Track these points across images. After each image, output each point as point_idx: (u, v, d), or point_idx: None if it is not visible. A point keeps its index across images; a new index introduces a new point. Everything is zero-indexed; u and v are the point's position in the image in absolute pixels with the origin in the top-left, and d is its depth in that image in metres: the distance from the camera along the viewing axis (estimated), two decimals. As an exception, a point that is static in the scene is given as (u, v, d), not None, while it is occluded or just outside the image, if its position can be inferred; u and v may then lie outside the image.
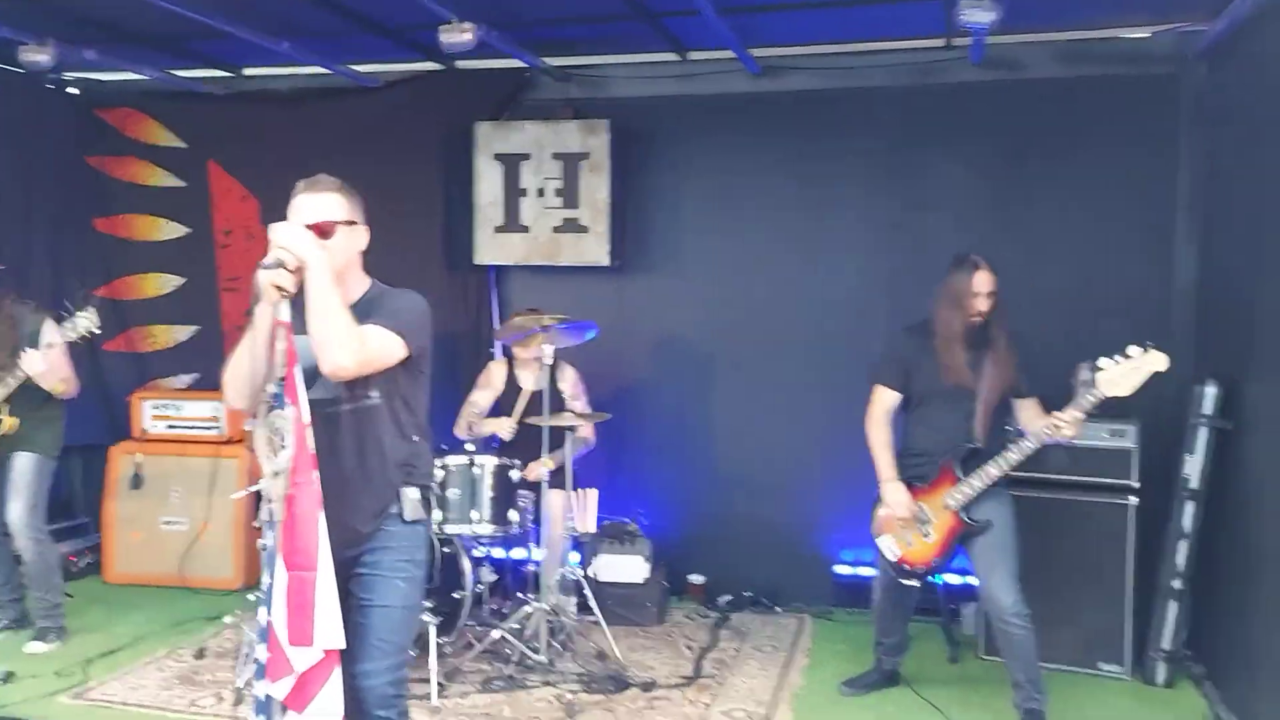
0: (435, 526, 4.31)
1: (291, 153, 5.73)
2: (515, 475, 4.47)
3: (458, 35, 4.46)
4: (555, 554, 4.60)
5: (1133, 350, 3.58)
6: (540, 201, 5.45)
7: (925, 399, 4.01)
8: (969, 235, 4.85)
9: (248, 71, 5.93)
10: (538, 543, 4.76)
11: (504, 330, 4.58)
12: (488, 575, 4.69)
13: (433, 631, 4.18)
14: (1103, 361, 3.62)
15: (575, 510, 4.74)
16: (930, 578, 4.12)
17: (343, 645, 2.55)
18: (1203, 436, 4.32)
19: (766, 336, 5.45)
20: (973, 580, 4.85)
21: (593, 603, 4.58)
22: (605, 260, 5.41)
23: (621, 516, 5.34)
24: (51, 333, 4.41)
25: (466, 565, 4.49)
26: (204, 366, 6.02)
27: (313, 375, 2.68)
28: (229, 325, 6.03)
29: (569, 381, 5.02)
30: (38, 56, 4.88)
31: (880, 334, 5.00)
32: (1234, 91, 4.45)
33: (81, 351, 4.84)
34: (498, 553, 4.97)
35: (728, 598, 5.40)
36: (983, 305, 3.90)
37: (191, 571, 5.47)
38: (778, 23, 4.88)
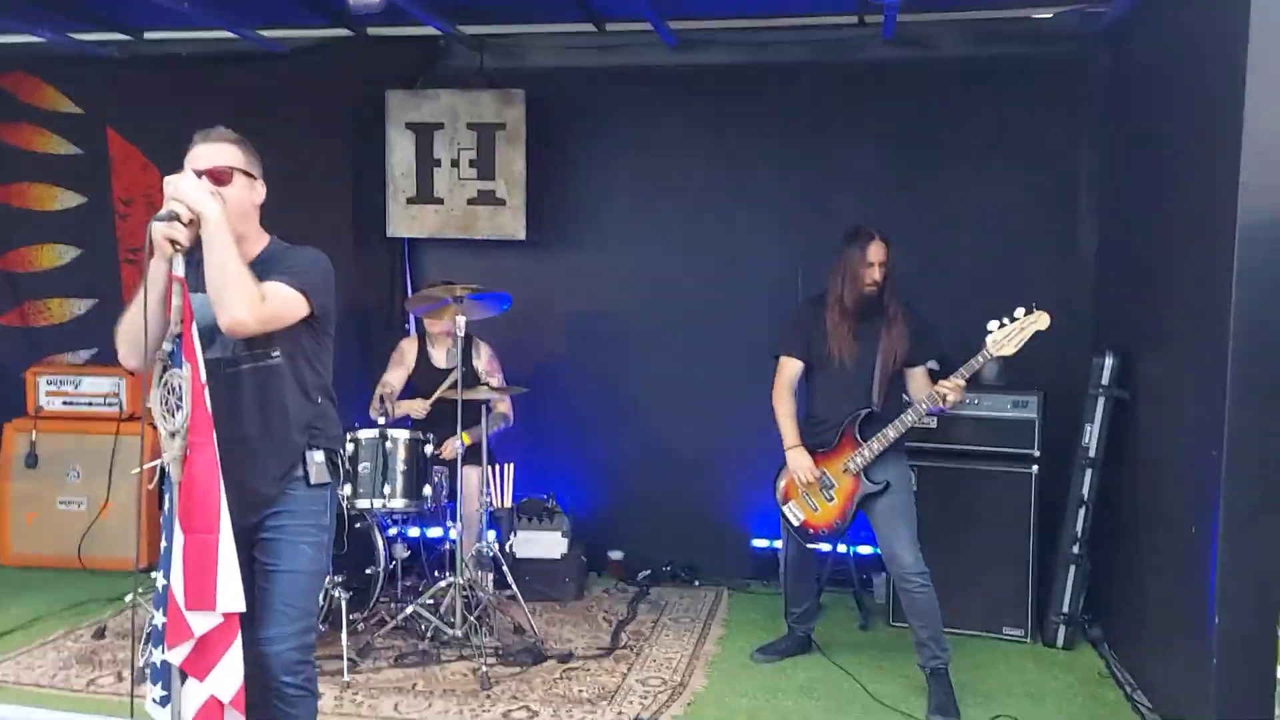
0: (346, 501, 4.23)
1: (195, 120, 5.52)
2: (429, 450, 4.41)
3: (368, -1, 4.36)
4: (471, 529, 4.55)
5: (1019, 312, 3.76)
6: (454, 173, 5.37)
7: (825, 367, 4.08)
8: (881, 209, 4.91)
9: (149, 35, 5.70)
10: (453, 520, 4.71)
11: (415, 301, 4.50)
12: (401, 551, 4.63)
13: (344, 607, 4.11)
14: (991, 325, 3.76)
15: (492, 485, 4.70)
16: (832, 541, 4.19)
17: (244, 609, 2.49)
18: (1101, 406, 4.45)
19: (684, 311, 5.45)
20: (883, 549, 4.97)
21: (510, 578, 4.54)
22: (521, 234, 5.36)
23: (539, 493, 5.31)
24: None
25: (379, 540, 4.42)
26: (103, 341, 5.75)
27: (211, 333, 2.61)
28: (129, 298, 5.79)
29: (483, 359, 4.96)
30: (-77, 17, 4.66)
31: (795, 306, 5.06)
32: (1132, 71, 4.59)
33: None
34: (413, 532, 4.89)
35: (646, 572, 5.41)
36: (876, 275, 3.98)
37: (91, 553, 5.28)
38: (696, -4, 4.89)
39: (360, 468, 4.30)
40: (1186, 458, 3.51)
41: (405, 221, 5.42)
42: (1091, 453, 4.46)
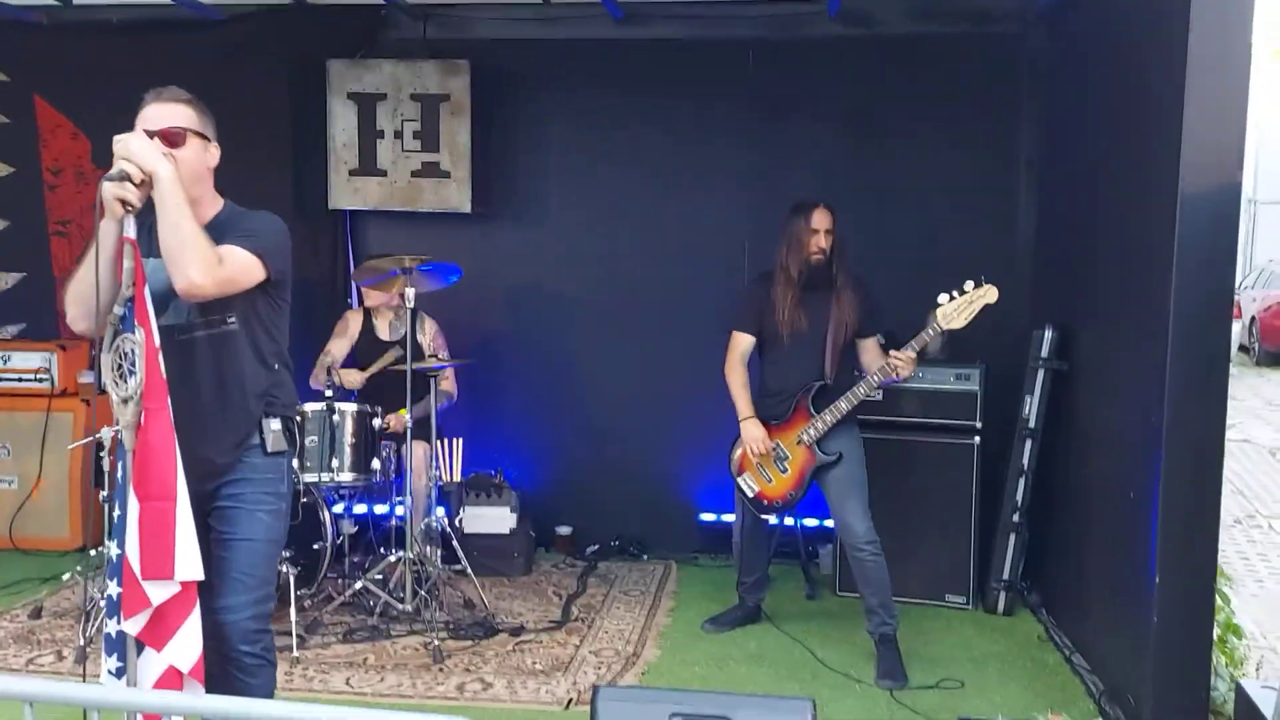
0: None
1: (127, 88, 5.37)
2: (377, 423, 4.36)
3: (310, -36, 4.27)
4: (419, 504, 4.52)
5: (968, 285, 3.81)
6: (398, 144, 5.28)
7: (777, 341, 4.11)
8: (826, 185, 4.94)
9: (77, 0, 5.53)
10: (400, 495, 4.67)
11: (363, 272, 4.43)
12: (348, 527, 4.58)
13: (292, 582, 4.06)
14: (941, 298, 3.82)
15: (440, 460, 4.66)
16: (786, 511, 4.24)
17: (202, 577, 2.45)
18: (1041, 378, 4.56)
19: (631, 285, 5.45)
20: (829, 523, 5.04)
21: (460, 552, 4.52)
22: (467, 207, 5.30)
23: (487, 468, 5.28)
24: None
25: (326, 516, 4.37)
26: (31, 316, 5.62)
27: (166, 299, 2.56)
28: (59, 271, 5.64)
29: (429, 334, 4.92)
30: None
31: (742, 281, 5.09)
32: (1070, 52, 4.69)
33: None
34: (359, 508, 4.84)
35: (594, 547, 5.42)
36: (822, 242, 4.01)
37: (23, 532, 5.14)
38: (641, -32, 4.87)
39: (307, 441, 4.24)
40: (1125, 426, 3.62)
41: (348, 194, 5.33)
42: (1031, 424, 4.57)
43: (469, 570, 4.49)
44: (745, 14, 5.28)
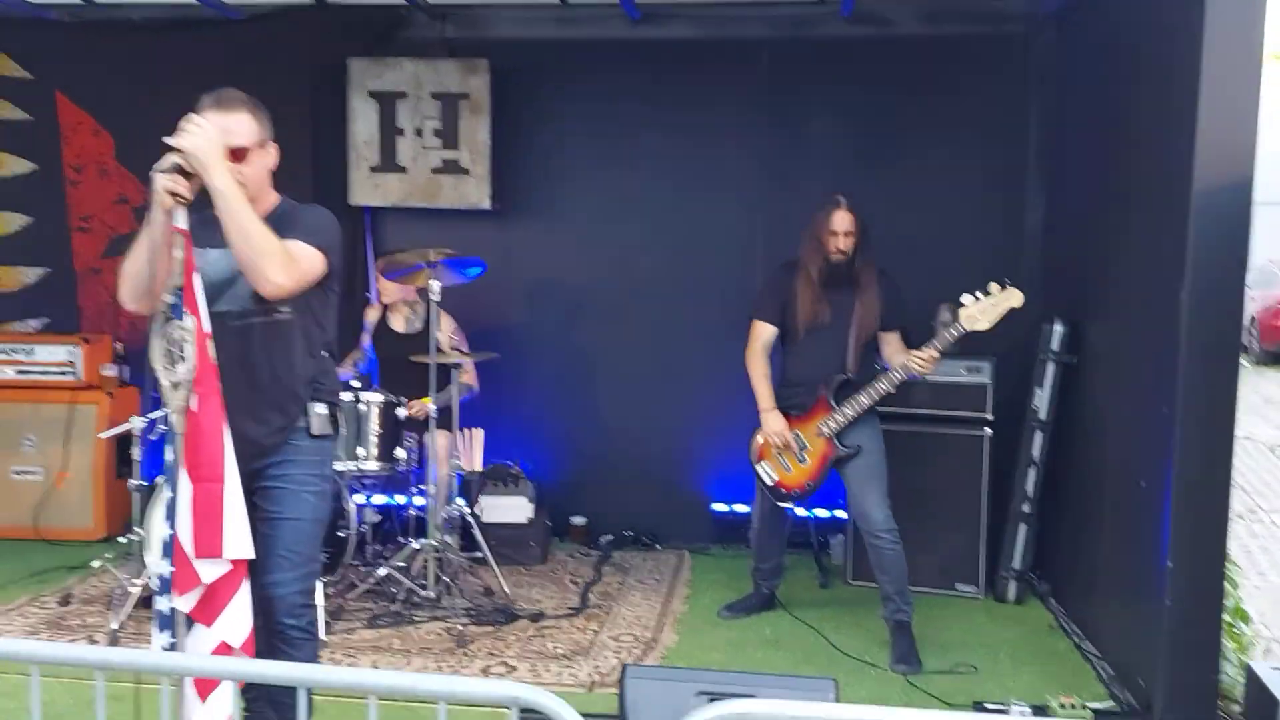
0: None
1: (148, 86, 5.50)
2: (402, 413, 4.45)
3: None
4: (442, 493, 4.60)
5: (993, 287, 3.85)
6: (418, 142, 5.37)
7: (800, 333, 4.19)
8: (837, 182, 5.01)
9: (99, -1, 5.62)
10: (421, 485, 4.75)
11: (388, 265, 4.51)
12: (371, 516, 4.66)
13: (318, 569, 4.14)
14: (965, 299, 3.87)
15: (461, 449, 4.75)
16: (803, 500, 4.32)
17: (251, 555, 2.54)
18: (1050, 371, 4.65)
19: (645, 280, 5.53)
20: (840, 514, 5.15)
21: (480, 540, 4.60)
22: (486, 203, 5.39)
23: (504, 460, 5.37)
24: None
25: (350, 504, 4.45)
26: (54, 310, 5.71)
27: (222, 287, 2.68)
28: (81, 266, 5.73)
29: (446, 331, 5.00)
30: None
31: (755, 277, 5.19)
32: (1077, 51, 4.79)
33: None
34: (378, 499, 4.92)
35: (609, 537, 5.51)
36: (842, 244, 4.08)
37: (48, 523, 5.21)
38: (658, -31, 4.96)
39: (337, 430, 4.31)
40: (1135, 417, 3.70)
41: (368, 190, 5.42)
42: (1042, 415, 4.66)
43: (490, 557, 4.57)
44: (759, 14, 5.38)
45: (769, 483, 4.24)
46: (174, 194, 2.47)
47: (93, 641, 3.96)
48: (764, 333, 4.25)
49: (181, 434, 2.48)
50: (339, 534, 4.40)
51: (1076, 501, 4.48)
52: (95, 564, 4.43)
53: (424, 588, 4.34)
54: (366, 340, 4.98)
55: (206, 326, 2.50)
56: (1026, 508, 4.72)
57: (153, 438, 4.15)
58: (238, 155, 2.64)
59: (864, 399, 4.04)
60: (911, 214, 5.29)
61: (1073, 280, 4.70)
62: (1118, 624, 3.89)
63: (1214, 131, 3.06)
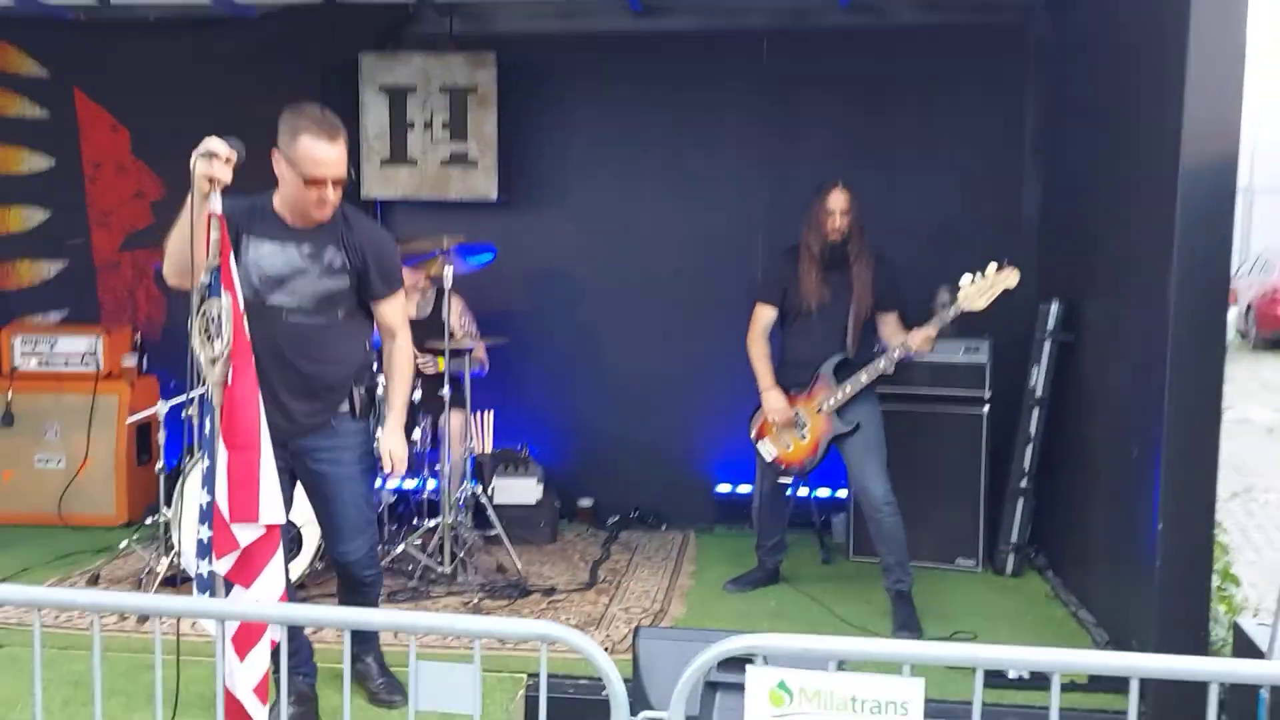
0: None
1: (164, 83, 5.65)
2: (416, 396, 4.58)
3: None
4: (456, 472, 4.74)
5: (990, 268, 3.99)
6: (427, 135, 5.50)
7: (800, 314, 4.33)
8: (836, 170, 5.12)
9: (115, -1, 5.75)
10: (433, 467, 4.89)
11: (404, 251, 4.64)
12: (387, 497, 4.80)
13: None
14: (964, 279, 4.01)
15: (473, 431, 4.89)
16: (803, 476, 4.46)
17: (284, 520, 2.69)
18: (1047, 350, 4.79)
19: (648, 268, 5.67)
20: (842, 493, 5.29)
21: (494, 518, 4.74)
22: (493, 194, 5.52)
23: (512, 444, 5.52)
24: None
25: (367, 484, 4.59)
26: (74, 302, 5.86)
27: (281, 281, 2.95)
28: (100, 260, 5.87)
29: (455, 313, 5.12)
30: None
31: (756, 264, 5.34)
32: (1072, 38, 4.92)
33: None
34: (392, 482, 5.05)
35: (615, 518, 5.65)
36: (838, 223, 4.20)
37: (71, 509, 5.35)
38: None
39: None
40: (1128, 390, 3.84)
41: (380, 183, 5.55)
42: (1038, 393, 4.80)
43: (503, 534, 4.71)
44: (759, 5, 5.51)
45: (769, 459, 4.38)
46: (210, 178, 2.61)
47: (122, 618, 4.09)
48: (765, 315, 4.39)
49: (219, 406, 2.63)
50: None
51: (1073, 476, 4.61)
52: (122, 545, 4.57)
53: (440, 565, 4.48)
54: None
55: (242, 304, 2.65)
56: (1024, 483, 4.85)
57: (186, 416, 4.29)
58: (341, 184, 2.95)
59: (863, 377, 4.17)
60: (911, 200, 5.43)
61: (1069, 261, 4.83)
62: (1112, 591, 4.03)
63: (1199, 114, 3.18)
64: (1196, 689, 3.20)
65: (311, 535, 4.14)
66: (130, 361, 5.52)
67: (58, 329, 5.64)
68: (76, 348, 5.47)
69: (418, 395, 4.59)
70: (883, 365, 4.16)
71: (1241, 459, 8.38)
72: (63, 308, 5.88)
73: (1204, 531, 3.30)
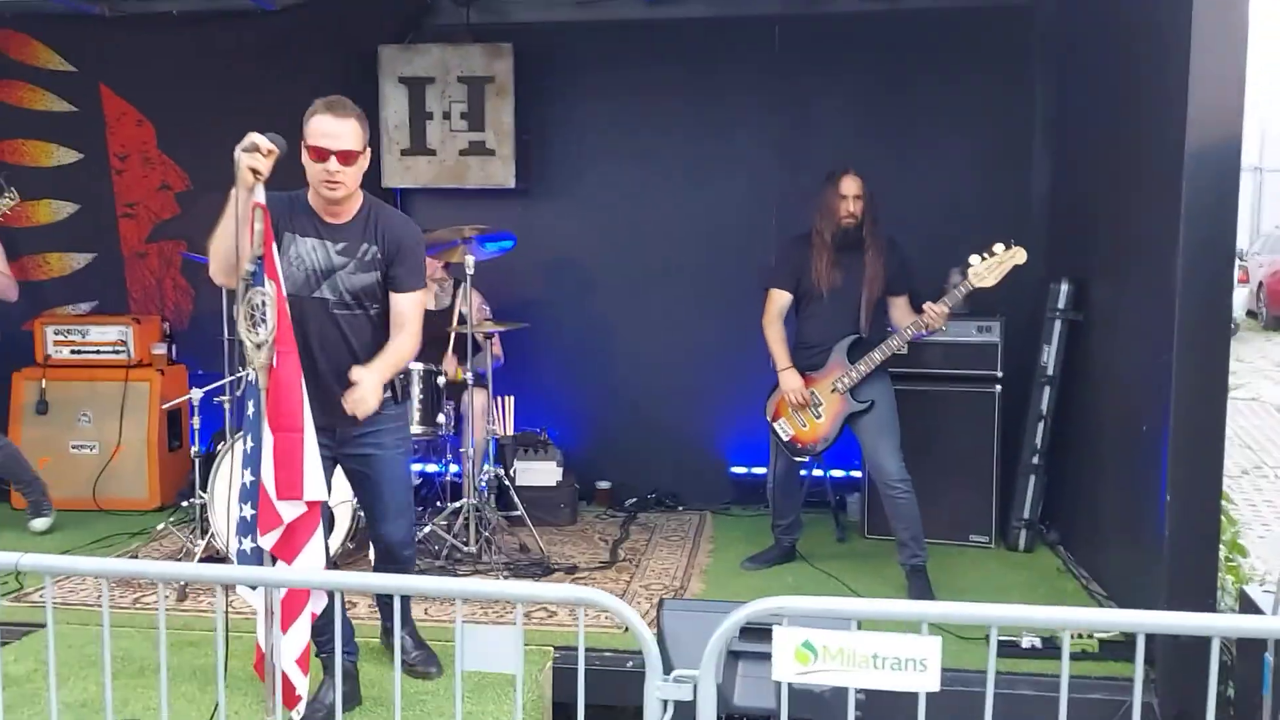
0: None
1: (188, 77, 5.77)
2: (441, 381, 4.70)
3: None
4: (478, 452, 4.86)
5: (998, 247, 4.09)
6: (446, 125, 5.61)
7: (813, 298, 4.43)
8: (848, 153, 5.24)
9: (138, -7, 5.87)
10: (455, 451, 5.02)
11: (426, 241, 4.76)
12: (414, 480, 4.92)
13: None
14: (973, 259, 4.11)
15: (494, 415, 5.01)
16: (818, 455, 4.57)
17: (326, 498, 2.81)
18: (1057, 329, 4.88)
19: (664, 253, 5.77)
20: (856, 473, 5.40)
21: (516, 500, 4.87)
22: (511, 183, 5.63)
23: (532, 427, 5.64)
24: None
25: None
26: (103, 293, 5.99)
27: (321, 276, 3.06)
28: (128, 251, 6.00)
29: (474, 304, 5.24)
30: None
31: (769, 249, 5.44)
32: (1079, 21, 4.98)
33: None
34: (415, 466, 5.18)
35: (633, 499, 5.77)
36: (851, 207, 4.30)
37: (105, 494, 5.49)
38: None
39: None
40: (1137, 366, 3.93)
41: (400, 173, 5.66)
42: (1050, 371, 4.89)
43: (526, 516, 4.83)
44: (771, -8, 5.60)
45: (785, 438, 4.49)
46: (254, 170, 2.72)
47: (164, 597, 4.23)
48: (779, 299, 4.49)
49: (263, 389, 2.75)
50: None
51: (1083, 452, 4.71)
52: (160, 527, 4.71)
53: (465, 544, 4.61)
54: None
55: (285, 292, 2.77)
56: (1036, 460, 4.95)
57: (219, 401, 4.43)
58: (347, 158, 2.98)
59: (877, 355, 4.28)
60: (921, 183, 5.51)
61: (1078, 241, 4.91)
62: (1122, 563, 4.13)
63: (1204, 95, 3.28)
64: (1202, 655, 3.34)
65: (343, 515, 4.27)
66: (160, 350, 5.66)
67: (89, 319, 5.78)
68: (107, 337, 5.61)
69: (441, 380, 4.71)
70: (896, 344, 4.27)
71: (1252, 437, 8.48)
72: (92, 298, 6.02)
73: (1212, 503, 3.41)
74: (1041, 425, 4.93)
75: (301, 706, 2.87)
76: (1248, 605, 3.33)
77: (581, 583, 4.48)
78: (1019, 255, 4.06)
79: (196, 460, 4.51)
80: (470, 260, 4.58)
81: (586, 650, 3.64)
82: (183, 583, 4.17)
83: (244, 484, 2.80)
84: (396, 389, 3.23)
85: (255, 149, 2.72)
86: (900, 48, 5.54)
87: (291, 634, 2.82)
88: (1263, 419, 9.19)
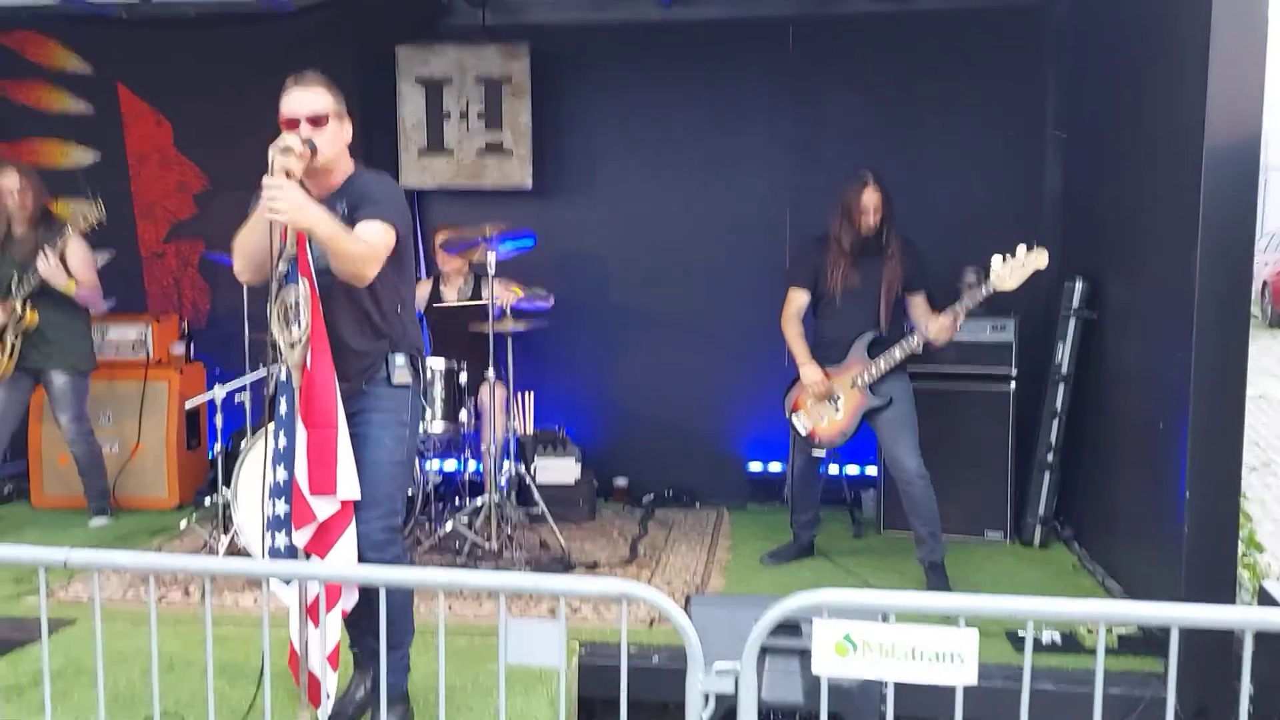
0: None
1: (205, 78, 5.80)
2: (463, 379, 4.74)
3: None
4: (499, 447, 4.89)
5: (1020, 250, 4.12)
6: (463, 124, 5.65)
7: (832, 298, 4.47)
8: (861, 153, 5.31)
9: (155, -5, 5.90)
10: (476, 449, 5.06)
11: (448, 240, 4.81)
12: (434, 477, 4.97)
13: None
14: (994, 260, 4.14)
15: (514, 411, 5.05)
16: (835, 450, 4.60)
17: (359, 496, 2.83)
18: (1071, 327, 4.90)
19: (679, 252, 5.81)
20: (871, 470, 5.44)
21: (537, 497, 4.91)
22: (528, 182, 5.67)
23: (550, 425, 5.68)
24: (72, 240, 4.93)
25: (416, 465, 4.75)
26: (121, 292, 6.00)
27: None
28: (146, 251, 6.04)
29: (495, 289, 5.27)
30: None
31: (784, 248, 5.48)
32: (1091, 20, 5.01)
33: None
34: (432, 464, 5.22)
35: (650, 496, 5.81)
36: (871, 219, 4.35)
37: (124, 492, 5.53)
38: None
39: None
40: (1153, 365, 3.96)
41: (417, 172, 5.70)
42: (1064, 369, 4.92)
43: (547, 512, 4.87)
44: (785, -7, 5.63)
45: (803, 432, 4.53)
46: (287, 171, 2.76)
47: (186, 594, 4.27)
48: (798, 298, 4.53)
49: (298, 387, 2.78)
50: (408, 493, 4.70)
51: (1098, 449, 4.74)
52: (183, 525, 4.75)
53: (487, 541, 4.64)
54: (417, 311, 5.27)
55: (317, 291, 2.80)
56: (1050, 457, 4.98)
57: (239, 400, 4.46)
58: (317, 121, 2.91)
59: (896, 353, 4.32)
60: (934, 182, 5.55)
61: (1092, 240, 4.94)
62: (1139, 559, 4.16)
63: (1223, 92, 3.30)
64: (1222, 651, 3.37)
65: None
66: (178, 349, 5.70)
67: (108, 318, 5.79)
68: (127, 336, 5.64)
69: (464, 377, 4.74)
70: (916, 342, 4.30)
71: (1259, 434, 8.51)
72: (110, 297, 6.01)
73: (1231, 499, 3.44)
74: (1056, 422, 4.96)
75: (328, 705, 2.90)
76: (1266, 600, 3.36)
77: (604, 578, 4.50)
78: (1041, 258, 4.09)
79: (220, 458, 4.54)
80: (492, 258, 4.61)
81: (608, 645, 3.69)
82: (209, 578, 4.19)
83: (277, 481, 2.84)
84: (391, 371, 3.01)
85: (289, 150, 2.75)
86: (913, 48, 5.57)
87: (324, 627, 2.85)
88: (1270, 416, 9.22)
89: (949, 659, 1.99)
